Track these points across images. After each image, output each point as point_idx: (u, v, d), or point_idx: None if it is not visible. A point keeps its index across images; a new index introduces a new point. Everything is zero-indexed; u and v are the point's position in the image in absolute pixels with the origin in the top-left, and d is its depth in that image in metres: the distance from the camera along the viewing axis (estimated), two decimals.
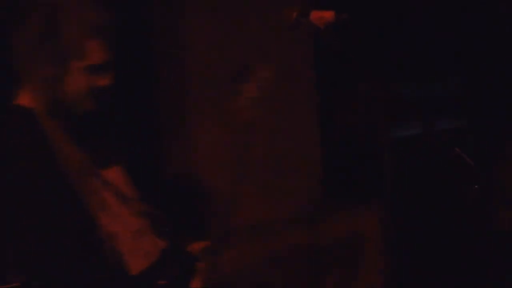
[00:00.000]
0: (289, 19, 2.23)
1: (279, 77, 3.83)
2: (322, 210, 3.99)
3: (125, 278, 1.97)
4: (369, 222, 3.90)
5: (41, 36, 1.93)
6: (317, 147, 4.04)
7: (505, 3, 4.17)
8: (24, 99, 2.01)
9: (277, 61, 3.82)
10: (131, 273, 1.99)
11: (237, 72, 2.20)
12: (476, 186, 3.30)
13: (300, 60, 3.95)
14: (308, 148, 4.01)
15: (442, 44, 4.35)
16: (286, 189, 3.89)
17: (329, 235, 2.35)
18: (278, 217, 3.80)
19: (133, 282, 1.98)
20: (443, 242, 3.94)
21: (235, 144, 2.41)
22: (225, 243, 2.21)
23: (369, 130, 4.10)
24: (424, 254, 3.95)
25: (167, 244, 2.12)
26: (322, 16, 2.22)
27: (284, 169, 3.89)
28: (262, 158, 3.76)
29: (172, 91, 3.81)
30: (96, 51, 1.95)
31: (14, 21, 1.98)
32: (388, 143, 2.97)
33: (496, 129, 4.10)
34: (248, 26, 3.77)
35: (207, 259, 2.16)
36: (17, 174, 1.88)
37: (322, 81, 4.04)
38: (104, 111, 2.07)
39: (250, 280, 2.31)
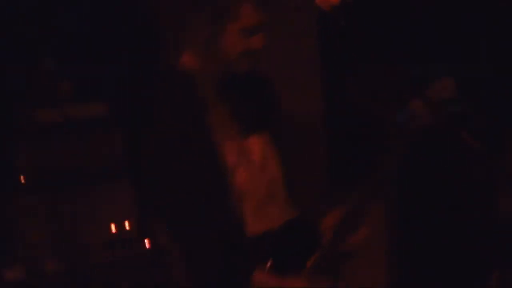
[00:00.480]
0: (295, 1, 2.21)
1: (284, 63, 3.83)
2: (327, 201, 3.99)
3: (242, 237, 2.08)
4: (375, 211, 3.92)
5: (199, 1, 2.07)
6: (323, 135, 4.04)
7: None
8: (183, 61, 2.15)
9: (282, 46, 3.81)
10: (248, 234, 2.09)
11: None
12: (476, 174, 3.29)
13: (305, 46, 3.93)
14: (313, 138, 4.00)
15: (447, 26, 4.33)
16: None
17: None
18: None
19: (249, 242, 2.08)
20: (449, 229, 3.94)
21: None
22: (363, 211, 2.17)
23: (376, 117, 4.08)
24: (430, 241, 3.94)
25: (294, 216, 2.19)
26: None
27: (287, 159, 3.88)
28: None
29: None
30: (250, 14, 2.06)
31: None
32: (392, 129, 2.96)
33: (502, 113, 4.08)
34: None
35: (339, 229, 2.16)
36: (174, 132, 2.05)
37: (328, 68, 4.03)
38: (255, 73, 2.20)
39: None
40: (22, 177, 3.52)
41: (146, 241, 3.63)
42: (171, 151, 2.06)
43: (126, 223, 3.65)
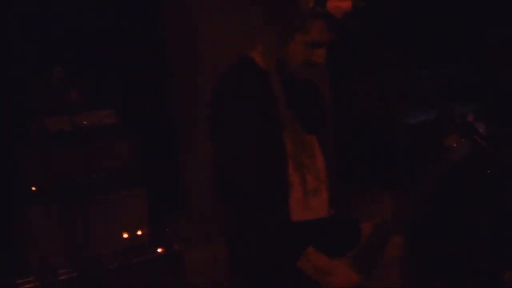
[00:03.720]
0: (305, 8, 2.22)
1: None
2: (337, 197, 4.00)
3: (285, 222, 2.25)
4: (385, 209, 3.93)
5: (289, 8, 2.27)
6: (331, 134, 4.04)
7: None
8: (257, 56, 2.36)
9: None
10: (291, 219, 2.26)
11: None
12: (488, 171, 3.29)
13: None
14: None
15: (456, 31, 4.34)
16: None
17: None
18: None
19: (291, 228, 2.24)
20: (462, 228, 3.94)
21: None
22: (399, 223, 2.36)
23: (384, 117, 4.09)
24: (442, 239, 3.95)
25: (337, 212, 2.38)
26: (339, 6, 2.21)
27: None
28: None
29: (184, 87, 3.82)
30: (319, 30, 2.26)
31: None
32: (403, 129, 2.98)
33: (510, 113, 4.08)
34: (258, 16, 3.76)
35: (376, 236, 2.34)
36: (247, 120, 2.25)
37: (336, 68, 4.03)
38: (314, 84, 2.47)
39: None
40: (34, 187, 3.53)
41: (159, 247, 3.65)
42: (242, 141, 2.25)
43: (139, 230, 3.66)
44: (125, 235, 3.64)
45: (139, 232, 3.66)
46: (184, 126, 3.89)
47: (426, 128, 4.10)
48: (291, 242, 2.23)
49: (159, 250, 3.62)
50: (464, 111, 4.09)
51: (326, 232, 2.33)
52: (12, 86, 3.65)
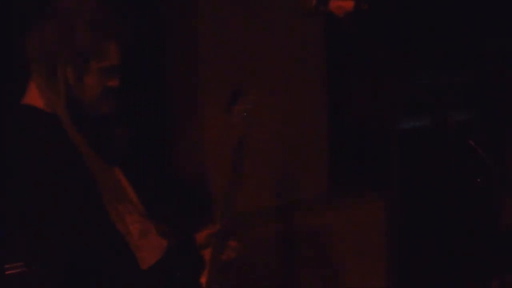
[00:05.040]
0: (308, 7, 2.23)
1: (290, 68, 3.85)
2: (329, 199, 4.01)
3: (138, 271, 2.08)
4: (375, 212, 3.94)
5: (59, 40, 2.01)
6: (325, 138, 4.06)
7: None
8: (34, 100, 2.06)
9: (288, 52, 3.83)
10: (142, 267, 2.08)
11: (231, 96, 2.34)
12: (478, 180, 3.30)
13: (311, 51, 3.95)
14: (316, 138, 4.02)
15: (452, 36, 4.35)
16: (294, 178, 3.91)
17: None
18: (285, 204, 3.82)
19: (145, 275, 2.09)
20: (450, 233, 3.96)
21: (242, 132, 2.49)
22: (231, 228, 2.32)
23: (377, 121, 4.10)
24: (430, 245, 3.96)
25: (171, 241, 2.24)
26: (341, 5, 2.22)
27: (292, 158, 3.90)
28: (270, 147, 3.77)
29: (184, 88, 3.82)
30: (115, 52, 2.06)
31: (31, 24, 2.07)
32: (396, 134, 2.97)
33: (506, 121, 4.10)
34: (261, 19, 3.77)
35: (215, 244, 2.28)
36: (37, 170, 1.97)
37: (332, 72, 4.04)
38: (112, 112, 2.15)
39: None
40: None
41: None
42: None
43: None
44: None
45: None
46: (180, 118, 3.89)
47: (421, 133, 4.12)
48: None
49: None
50: (460, 117, 4.12)
51: (175, 263, 2.19)
52: (8, 74, 3.65)
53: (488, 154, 2.52)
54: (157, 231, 2.22)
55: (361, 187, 4.11)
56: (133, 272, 2.06)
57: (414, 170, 3.99)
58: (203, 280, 2.25)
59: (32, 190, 1.98)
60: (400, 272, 3.86)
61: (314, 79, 3.96)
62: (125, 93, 2.15)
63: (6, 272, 3.35)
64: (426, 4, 4.33)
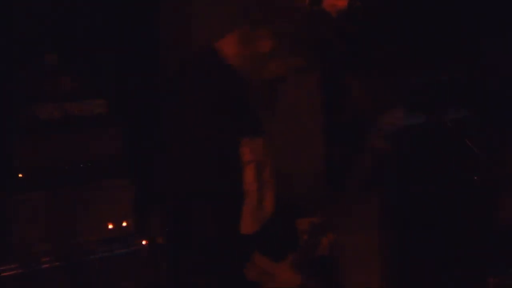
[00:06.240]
0: (301, 5, 2.22)
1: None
2: (323, 200, 4.00)
3: (238, 235, 2.18)
4: (371, 211, 3.94)
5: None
6: (319, 137, 4.05)
7: None
8: (228, 48, 2.20)
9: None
10: (241, 231, 2.19)
11: None
12: (475, 178, 3.30)
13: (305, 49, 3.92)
14: (310, 139, 4.01)
15: (448, 33, 4.34)
16: (287, 178, 3.89)
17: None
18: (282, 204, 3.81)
19: (240, 239, 2.19)
20: (447, 232, 3.95)
21: None
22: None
23: (369, 121, 4.10)
24: (427, 244, 3.95)
25: (275, 218, 2.33)
26: (335, 4, 2.22)
27: (286, 158, 3.88)
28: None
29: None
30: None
31: None
32: (386, 134, 2.97)
33: (502, 119, 4.09)
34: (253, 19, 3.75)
35: (312, 236, 2.34)
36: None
37: (326, 71, 4.03)
38: None
39: None
40: (21, 174, 3.52)
41: (143, 238, 3.64)
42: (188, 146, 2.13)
43: (125, 221, 3.66)
44: (110, 226, 3.63)
45: (124, 223, 3.65)
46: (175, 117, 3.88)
47: (418, 132, 4.11)
48: (237, 250, 2.17)
49: (143, 242, 3.62)
50: (456, 115, 4.11)
51: (267, 235, 2.28)
52: (1, 73, 3.64)
53: (486, 152, 2.51)
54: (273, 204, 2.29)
55: (358, 186, 4.10)
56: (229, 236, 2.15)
57: (411, 169, 3.98)
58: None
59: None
60: (398, 271, 3.86)
61: (310, 78, 3.95)
62: None
63: (2, 274, 3.36)
64: (423, 3, 4.32)
